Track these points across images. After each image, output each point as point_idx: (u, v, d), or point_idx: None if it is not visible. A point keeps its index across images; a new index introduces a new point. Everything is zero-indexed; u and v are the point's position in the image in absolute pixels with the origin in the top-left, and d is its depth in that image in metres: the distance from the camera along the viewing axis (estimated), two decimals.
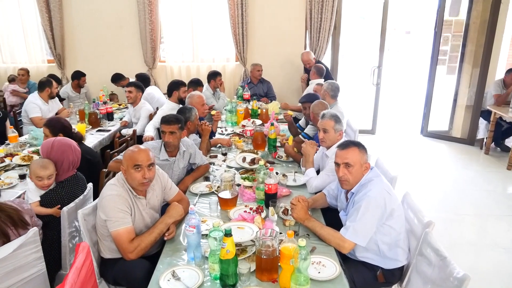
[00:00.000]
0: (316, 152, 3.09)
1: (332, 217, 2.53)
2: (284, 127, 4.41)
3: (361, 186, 2.25)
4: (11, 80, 6.24)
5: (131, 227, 2.16)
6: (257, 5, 6.34)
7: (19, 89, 6.09)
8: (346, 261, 2.27)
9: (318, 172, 3.01)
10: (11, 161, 3.54)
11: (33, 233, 2.05)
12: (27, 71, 6.27)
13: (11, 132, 4.11)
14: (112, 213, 2.13)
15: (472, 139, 6.37)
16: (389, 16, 6.37)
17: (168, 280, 1.87)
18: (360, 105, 9.12)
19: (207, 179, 3.10)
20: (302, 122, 4.27)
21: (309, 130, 3.89)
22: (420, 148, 6.43)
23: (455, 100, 6.70)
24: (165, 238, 2.22)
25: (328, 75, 5.70)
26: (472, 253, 3.55)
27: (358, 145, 2.27)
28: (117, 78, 6.13)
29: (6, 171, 3.35)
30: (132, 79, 5.86)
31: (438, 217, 4.03)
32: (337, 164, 2.29)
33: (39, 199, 2.43)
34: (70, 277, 1.67)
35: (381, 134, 7.06)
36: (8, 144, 4.01)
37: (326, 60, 6.60)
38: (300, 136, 3.90)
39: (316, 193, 2.80)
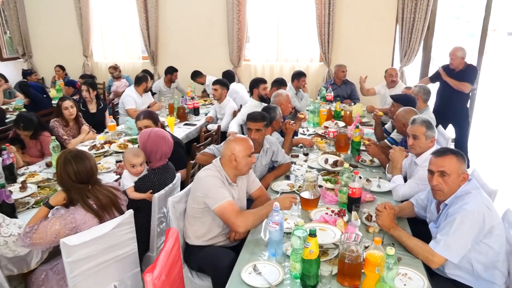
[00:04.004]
0: (404, 159, 2.93)
1: (418, 229, 2.39)
2: (368, 130, 4.26)
3: (457, 198, 2.09)
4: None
5: (233, 201, 2.27)
6: (345, 4, 6.19)
7: (118, 90, 6.66)
8: (433, 276, 2.12)
9: (404, 180, 2.86)
10: (110, 147, 3.87)
11: (129, 214, 2.22)
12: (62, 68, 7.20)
13: (110, 121, 4.49)
14: (213, 190, 2.25)
15: None
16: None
17: (249, 273, 1.91)
18: None
19: (287, 178, 3.10)
20: (388, 126, 4.09)
21: (395, 134, 3.71)
22: None
23: None
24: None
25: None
26: None
27: (456, 154, 2.11)
28: (196, 75, 6.43)
29: (105, 156, 3.68)
30: (210, 76, 6.21)
31: None
32: (431, 172, 2.14)
33: (133, 184, 2.63)
34: (161, 259, 1.78)
35: (475, 143, 6.49)
36: (107, 132, 4.41)
37: (417, 63, 6.24)
38: (385, 141, 3.74)
39: (402, 201, 2.66)
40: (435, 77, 5.10)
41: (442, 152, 2.14)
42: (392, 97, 3.88)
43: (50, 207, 2.16)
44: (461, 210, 1.99)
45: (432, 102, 5.05)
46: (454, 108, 4.95)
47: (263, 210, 2.25)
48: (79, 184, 2.11)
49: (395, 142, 3.60)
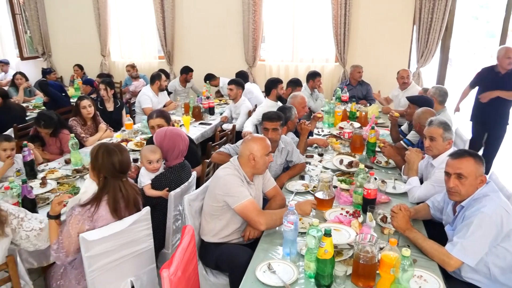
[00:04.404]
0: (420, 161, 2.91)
1: (434, 231, 2.37)
2: (384, 131, 4.23)
3: (474, 201, 2.07)
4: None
5: (253, 199, 2.30)
6: (361, 5, 6.16)
7: (136, 90, 6.74)
8: (449, 279, 2.10)
9: (420, 182, 2.83)
10: (127, 145, 3.93)
11: (146, 211, 2.26)
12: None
13: (127, 120, 4.55)
14: (233, 189, 2.28)
15: None
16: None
17: (264, 272, 1.92)
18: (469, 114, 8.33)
19: (302, 178, 3.11)
20: (404, 127, 4.05)
21: (411, 136, 3.68)
22: None
23: None
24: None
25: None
26: None
27: (474, 156, 2.09)
28: (209, 78, 6.46)
29: None
30: (224, 78, 6.21)
31: None
32: (447, 174, 2.13)
33: (150, 182, 2.67)
34: (177, 255, 1.80)
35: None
36: (124, 130, 4.47)
37: (434, 64, 6.17)
38: (401, 142, 3.71)
39: (418, 203, 2.64)
40: (475, 82, 4.74)
41: (459, 154, 2.12)
42: (408, 98, 3.85)
43: (56, 217, 2.17)
44: (479, 213, 1.97)
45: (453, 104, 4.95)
46: (496, 114, 4.59)
47: (285, 211, 2.27)
48: (120, 174, 2.17)
49: (411, 144, 3.57)
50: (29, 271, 2.33)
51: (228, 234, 2.40)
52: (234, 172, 2.38)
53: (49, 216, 2.16)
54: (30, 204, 2.50)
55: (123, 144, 3.94)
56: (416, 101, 3.71)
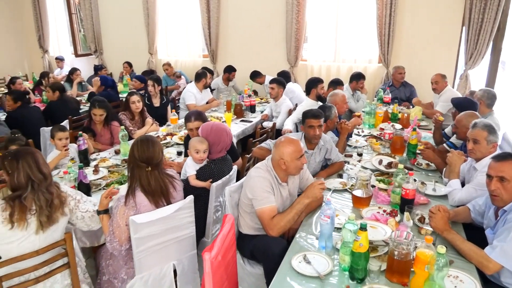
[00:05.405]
0: (462, 163, 2.86)
1: (473, 235, 2.33)
2: (426, 134, 4.16)
3: None
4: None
5: (275, 206, 2.37)
6: (407, 5, 6.03)
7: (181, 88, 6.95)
8: (488, 284, 2.08)
9: (462, 185, 2.79)
10: (171, 139, 4.13)
11: (190, 200, 2.39)
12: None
13: (172, 115, 4.76)
14: (258, 193, 2.36)
15: None
16: None
17: (300, 262, 1.99)
18: None
19: (340, 176, 3.14)
20: (448, 130, 3.97)
21: (455, 139, 3.60)
22: None
23: None
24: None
25: None
26: None
27: None
28: (255, 75, 6.55)
29: (167, 147, 3.93)
30: (269, 76, 6.22)
31: None
32: (489, 177, 2.10)
33: (195, 172, 2.81)
34: (218, 241, 1.92)
35: None
36: (169, 125, 4.68)
37: (483, 66, 5.94)
38: (444, 145, 3.64)
39: (458, 206, 2.61)
40: None
41: (503, 157, 2.08)
42: (452, 100, 3.78)
43: (105, 211, 2.34)
44: None
45: None
46: None
47: (292, 211, 2.35)
48: (140, 163, 2.30)
49: (454, 147, 3.50)
50: (81, 250, 2.53)
51: (262, 227, 2.48)
52: (265, 174, 2.43)
53: (98, 212, 2.33)
54: (85, 188, 2.72)
55: (168, 137, 4.15)
56: (457, 104, 3.63)
